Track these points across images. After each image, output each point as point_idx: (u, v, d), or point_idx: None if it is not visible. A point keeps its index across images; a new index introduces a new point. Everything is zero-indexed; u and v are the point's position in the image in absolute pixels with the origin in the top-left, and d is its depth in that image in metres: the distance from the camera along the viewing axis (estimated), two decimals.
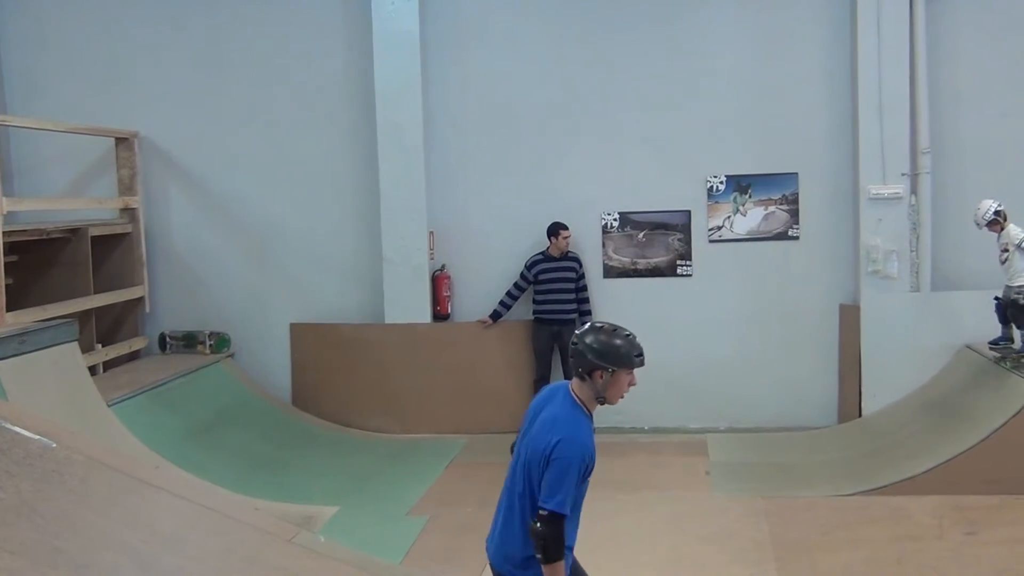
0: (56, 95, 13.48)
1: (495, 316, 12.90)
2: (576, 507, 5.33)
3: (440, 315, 13.13)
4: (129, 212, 13.15)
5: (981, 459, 9.66)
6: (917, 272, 12.15)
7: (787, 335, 12.70)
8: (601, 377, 5.30)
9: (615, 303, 12.84)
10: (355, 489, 10.70)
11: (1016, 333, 10.84)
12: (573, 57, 12.92)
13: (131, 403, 10.80)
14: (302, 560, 6.49)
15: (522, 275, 12.73)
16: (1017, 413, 9.65)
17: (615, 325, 5.41)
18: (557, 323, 12.57)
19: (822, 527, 9.11)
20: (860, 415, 12.15)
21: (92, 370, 11.18)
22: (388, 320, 13.04)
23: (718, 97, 12.72)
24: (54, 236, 11.98)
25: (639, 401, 12.77)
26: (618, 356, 5.29)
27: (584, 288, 12.72)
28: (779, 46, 12.61)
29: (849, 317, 12.40)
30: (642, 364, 5.36)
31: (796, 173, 12.63)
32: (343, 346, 13.17)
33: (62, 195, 13.44)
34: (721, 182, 12.76)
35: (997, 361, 10.79)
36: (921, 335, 11.95)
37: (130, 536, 5.83)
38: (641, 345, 5.37)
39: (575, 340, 5.38)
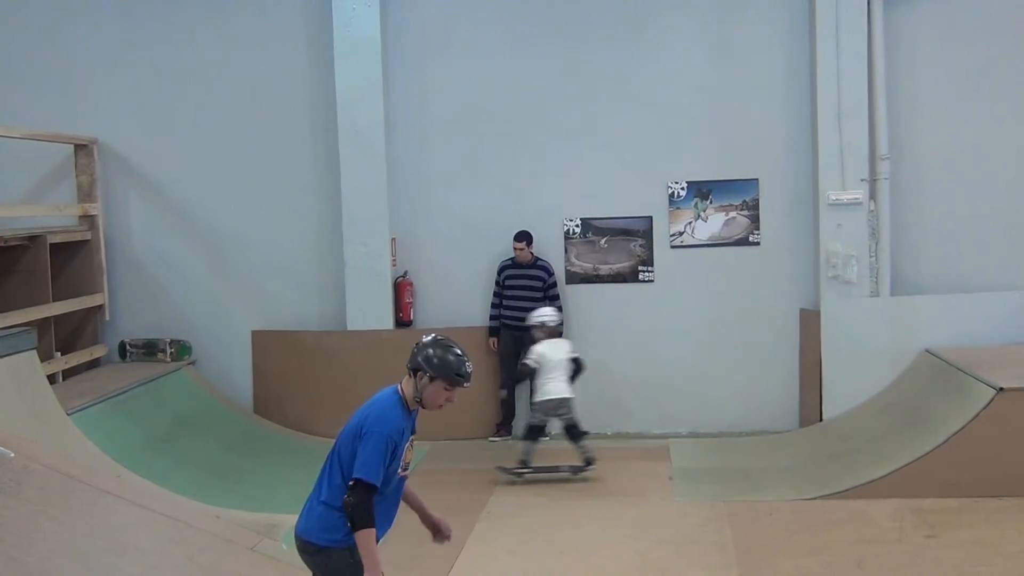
0: (12, 101, 13.31)
1: (493, 332, 12.94)
2: (387, 495, 5.58)
3: (403, 322, 13.11)
4: (88, 219, 13.04)
5: (940, 463, 9.73)
6: (876, 277, 12.23)
7: (748, 340, 12.77)
8: (421, 379, 5.56)
9: (577, 309, 12.90)
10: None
11: None
12: (534, 64, 12.95)
13: (91, 412, 10.69)
14: (263, 568, 6.47)
15: (496, 281, 12.83)
16: (975, 417, 9.73)
17: (455, 344, 5.69)
18: (520, 330, 12.58)
19: (784, 531, 9.15)
20: (821, 419, 12.21)
21: (51, 378, 11.06)
22: (350, 327, 13.00)
23: (679, 103, 12.78)
24: (12, 243, 11.86)
25: (601, 407, 12.97)
26: (442, 367, 5.55)
27: (556, 297, 12.73)
28: (739, 53, 12.69)
29: (809, 322, 12.47)
30: (462, 385, 5.63)
31: (756, 179, 12.71)
32: (305, 353, 13.12)
33: (20, 202, 13.29)
34: (682, 188, 12.81)
35: None
36: (881, 340, 12.03)
37: (89, 545, 5.79)
38: (470, 373, 5.63)
39: (417, 342, 5.71)
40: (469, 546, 8.91)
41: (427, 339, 5.67)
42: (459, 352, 5.63)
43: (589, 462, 10.97)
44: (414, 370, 5.58)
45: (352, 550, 5.45)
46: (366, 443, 5.40)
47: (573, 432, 11.10)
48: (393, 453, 5.47)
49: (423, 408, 5.67)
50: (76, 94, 13.41)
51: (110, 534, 6.08)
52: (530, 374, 11.15)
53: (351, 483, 5.38)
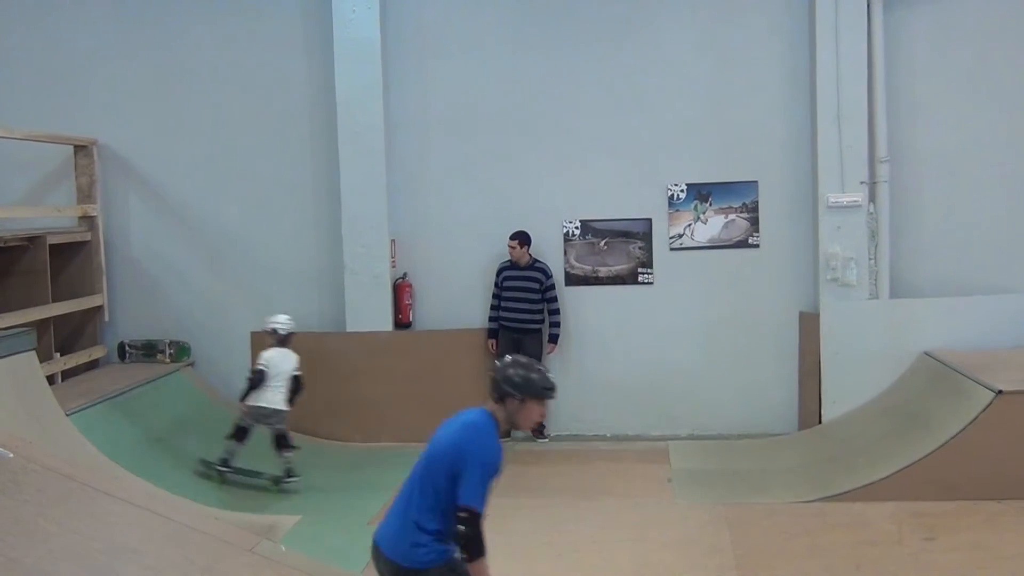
0: (13, 103, 13.34)
1: (492, 334, 12.93)
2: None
3: (402, 323, 13.11)
4: (88, 220, 13.05)
5: (939, 465, 9.73)
6: (876, 280, 12.24)
7: (747, 342, 12.77)
8: (511, 404, 5.72)
9: (577, 311, 12.90)
10: (316, 498, 10.64)
11: None
12: (534, 66, 12.95)
13: (90, 412, 10.71)
14: (262, 570, 6.47)
15: (495, 282, 12.84)
16: (974, 419, 9.73)
17: (530, 360, 5.90)
18: (518, 331, 12.62)
19: (782, 534, 9.15)
20: (820, 422, 12.22)
21: (50, 379, 11.08)
22: (349, 328, 13.00)
23: (679, 106, 12.78)
24: (12, 244, 11.87)
25: (601, 409, 12.97)
26: (530, 388, 5.73)
27: (553, 299, 12.75)
28: (739, 55, 12.69)
29: (809, 324, 12.47)
30: (551, 397, 5.85)
31: (756, 181, 12.71)
32: (304, 354, 13.01)
33: (20, 203, 13.31)
34: (682, 190, 12.82)
35: None
36: (880, 342, 12.03)
37: (88, 546, 5.79)
38: (555, 384, 5.86)
39: (494, 370, 5.86)
40: None
41: (503, 365, 5.83)
42: (539, 368, 5.84)
43: (290, 474, 10.86)
44: (501, 397, 5.71)
45: (450, 566, 5.57)
46: (472, 471, 5.48)
47: (281, 442, 10.97)
48: (494, 477, 5.60)
49: (517, 429, 5.87)
50: (76, 96, 13.43)
51: (109, 535, 6.08)
52: (262, 379, 10.94)
53: (462, 513, 5.46)
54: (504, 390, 5.68)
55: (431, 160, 13.12)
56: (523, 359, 5.88)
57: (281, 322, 11.35)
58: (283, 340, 11.27)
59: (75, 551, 5.69)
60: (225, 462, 10.89)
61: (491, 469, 5.52)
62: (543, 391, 5.74)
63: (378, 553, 5.70)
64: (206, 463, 10.96)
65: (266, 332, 11.41)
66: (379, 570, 5.74)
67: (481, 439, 5.59)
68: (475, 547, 5.47)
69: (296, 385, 11.10)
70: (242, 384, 11.14)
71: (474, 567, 5.50)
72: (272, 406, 10.88)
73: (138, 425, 11.29)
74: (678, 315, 12.86)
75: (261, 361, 11.08)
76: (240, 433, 10.95)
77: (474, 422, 5.68)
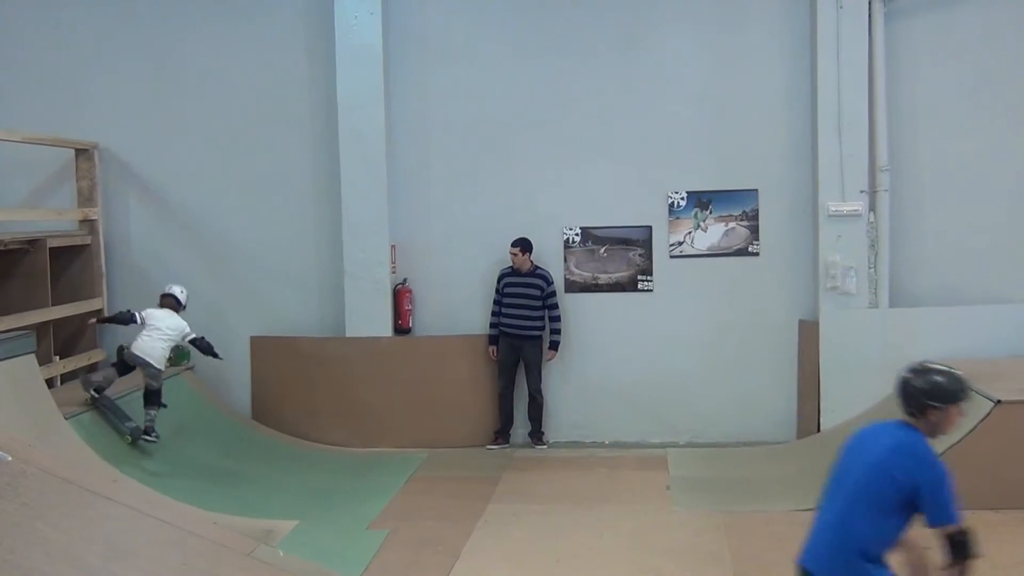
0: (14, 105, 13.37)
1: (493, 340, 12.92)
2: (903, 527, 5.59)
3: (402, 329, 13.11)
4: (88, 223, 13.07)
5: None
6: (875, 288, 12.24)
7: (747, 350, 12.78)
8: (934, 415, 5.61)
9: (577, 318, 12.91)
10: (315, 503, 10.64)
11: None
12: (535, 73, 12.97)
13: (89, 416, 10.74)
14: (260, 574, 6.46)
15: (495, 289, 12.84)
16: (973, 429, 9.70)
17: (936, 364, 5.77)
18: (519, 337, 12.63)
19: (781, 541, 9.11)
20: (819, 430, 12.22)
21: (50, 382, 11.10)
22: (349, 333, 13.01)
23: (679, 114, 12.79)
24: (12, 247, 11.88)
25: (599, 416, 12.98)
26: (952, 394, 5.61)
27: (554, 306, 12.76)
28: (739, 64, 12.71)
29: (808, 333, 12.48)
30: (970, 397, 5.74)
31: (756, 190, 12.72)
32: (304, 359, 13.13)
33: (20, 206, 13.32)
34: (682, 198, 12.83)
35: None
36: (879, 351, 12.02)
37: (85, 550, 5.78)
38: (966, 378, 5.68)
39: (903, 382, 5.73)
40: (465, 555, 8.92)
41: (906, 376, 5.74)
42: (945, 368, 5.70)
43: (147, 432, 10.99)
44: (922, 410, 5.62)
45: None
46: (939, 493, 5.42)
47: (149, 397, 11.12)
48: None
49: (942, 435, 5.72)
50: (78, 99, 13.44)
51: (106, 539, 6.07)
52: (125, 319, 11.33)
53: (951, 531, 5.42)
54: (924, 403, 5.59)
55: (432, 166, 13.14)
56: (927, 364, 5.77)
57: (174, 289, 11.69)
58: (167, 303, 11.56)
59: (73, 554, 5.68)
60: (100, 388, 11.00)
61: (951, 480, 5.45)
62: (966, 393, 5.65)
63: None
64: (87, 382, 11.05)
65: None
66: None
67: (930, 455, 5.52)
68: (972, 551, 5.44)
69: (201, 344, 11.51)
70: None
71: (967, 566, 5.46)
72: (143, 356, 11.05)
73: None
74: (678, 323, 12.86)
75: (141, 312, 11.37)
76: (120, 365, 11.25)
77: (910, 444, 5.59)
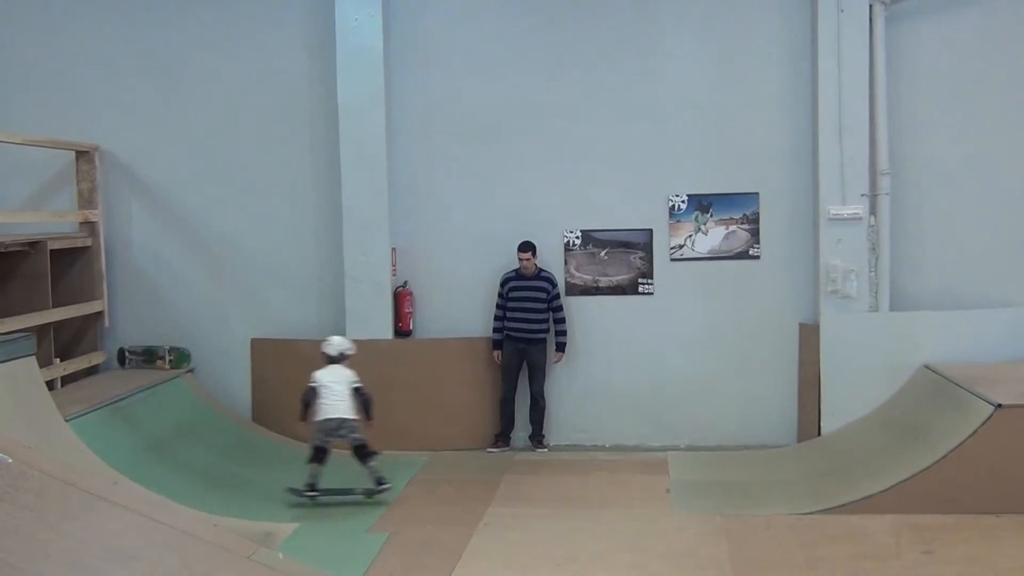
0: (14, 108, 13.37)
1: (497, 344, 12.91)
2: None
3: (402, 332, 13.11)
4: (89, 226, 13.07)
5: (938, 479, 9.72)
6: (876, 292, 12.24)
7: (747, 354, 12.77)
8: None
9: (577, 321, 12.92)
10: (315, 506, 10.63)
11: None
12: (536, 76, 12.97)
13: (89, 418, 10.70)
14: None
15: (498, 293, 12.84)
16: (974, 433, 9.72)
17: None
18: (524, 341, 12.63)
19: (781, 545, 9.14)
20: (819, 434, 12.21)
21: (50, 385, 11.08)
22: (350, 336, 12.92)
23: (680, 117, 12.79)
24: (12, 249, 11.86)
25: (600, 419, 12.98)
26: None
27: (559, 308, 12.77)
28: (740, 67, 12.71)
29: (809, 336, 12.48)
30: None
31: (757, 193, 12.72)
32: (304, 362, 13.02)
33: (21, 208, 13.33)
34: (683, 201, 12.83)
35: None
36: (880, 354, 12.02)
37: (85, 552, 5.78)
38: None
39: None
40: (466, 558, 8.90)
41: None
42: None
43: (380, 482, 10.76)
44: None
45: None
46: None
47: (360, 452, 10.79)
48: None
49: None
50: (78, 101, 13.44)
51: (106, 541, 6.07)
52: (312, 395, 10.80)
53: None
54: None
55: (432, 169, 13.14)
56: None
57: (332, 343, 11.13)
58: (332, 360, 11.02)
59: (73, 557, 5.68)
60: (312, 486, 10.74)
61: None
62: None
63: None
64: (294, 491, 10.76)
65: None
66: None
67: None
68: None
69: (363, 398, 10.86)
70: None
71: None
72: (337, 415, 10.70)
73: (137, 431, 11.29)
74: (678, 326, 12.86)
75: (311, 380, 10.90)
76: (318, 454, 10.77)
77: None
